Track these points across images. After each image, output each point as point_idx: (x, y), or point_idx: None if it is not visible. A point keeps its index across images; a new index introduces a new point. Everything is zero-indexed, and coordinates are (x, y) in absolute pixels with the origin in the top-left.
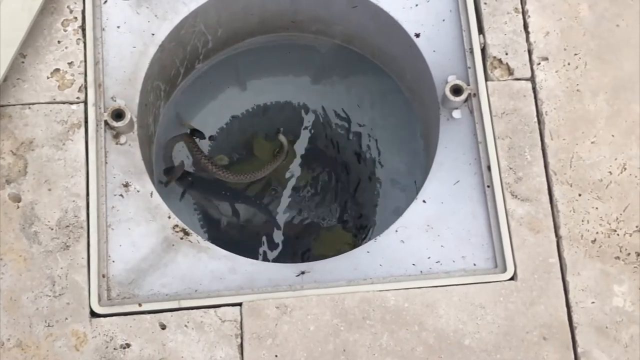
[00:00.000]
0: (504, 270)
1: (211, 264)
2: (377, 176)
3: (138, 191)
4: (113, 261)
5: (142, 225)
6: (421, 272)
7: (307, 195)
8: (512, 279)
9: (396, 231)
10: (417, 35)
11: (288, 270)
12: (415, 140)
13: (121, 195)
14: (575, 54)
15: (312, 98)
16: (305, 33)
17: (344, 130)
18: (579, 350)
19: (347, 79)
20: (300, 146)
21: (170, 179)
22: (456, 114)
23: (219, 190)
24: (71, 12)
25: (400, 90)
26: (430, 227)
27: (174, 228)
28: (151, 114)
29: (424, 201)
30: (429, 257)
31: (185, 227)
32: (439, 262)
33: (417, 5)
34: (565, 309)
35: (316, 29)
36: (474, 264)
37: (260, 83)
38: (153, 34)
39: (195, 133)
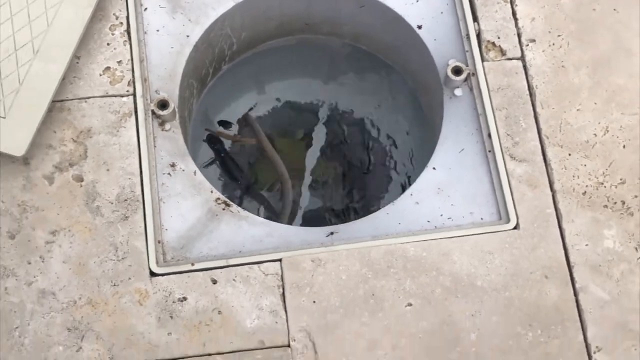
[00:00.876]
0: (508, 221)
1: (251, 230)
2: (387, 163)
3: (183, 170)
4: (166, 229)
5: (189, 199)
6: (435, 227)
7: (323, 186)
8: (515, 228)
9: (411, 194)
10: (419, 27)
11: (319, 232)
12: (420, 125)
13: (169, 174)
14: (559, 36)
15: (325, 94)
16: (318, 35)
17: (356, 123)
18: (577, 285)
19: (357, 75)
20: (317, 140)
21: (218, 133)
22: (458, 92)
23: (235, 178)
24: (117, 18)
25: (404, 81)
26: (440, 190)
27: (216, 201)
28: (186, 109)
29: (434, 168)
30: (441, 215)
31: (227, 199)
32: (450, 218)
33: (417, 1)
34: (562, 251)
35: (328, 30)
36: (481, 218)
37: (278, 83)
38: (188, 36)
39: (225, 125)
